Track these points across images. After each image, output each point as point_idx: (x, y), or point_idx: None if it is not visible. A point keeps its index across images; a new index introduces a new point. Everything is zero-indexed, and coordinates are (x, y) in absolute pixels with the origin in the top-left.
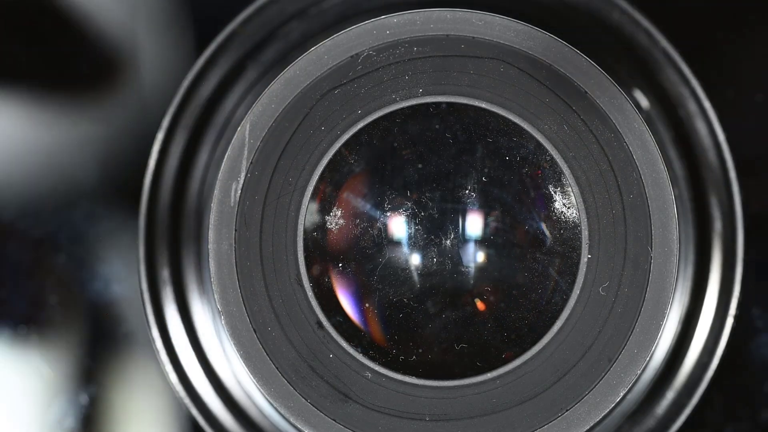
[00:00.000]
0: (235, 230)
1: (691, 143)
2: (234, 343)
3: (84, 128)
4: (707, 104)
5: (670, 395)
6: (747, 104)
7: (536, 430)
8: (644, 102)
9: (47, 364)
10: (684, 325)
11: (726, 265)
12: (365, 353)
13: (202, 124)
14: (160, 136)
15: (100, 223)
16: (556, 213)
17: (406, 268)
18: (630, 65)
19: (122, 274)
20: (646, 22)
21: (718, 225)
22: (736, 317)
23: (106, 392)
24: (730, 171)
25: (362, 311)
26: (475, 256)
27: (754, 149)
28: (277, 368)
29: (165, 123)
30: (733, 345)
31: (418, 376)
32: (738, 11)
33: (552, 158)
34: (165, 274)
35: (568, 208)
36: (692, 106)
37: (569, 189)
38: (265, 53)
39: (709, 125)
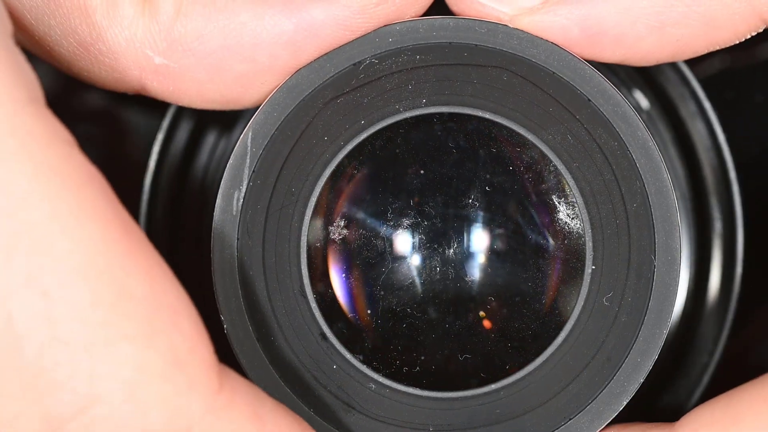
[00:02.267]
0: (237, 239)
1: (691, 144)
2: (237, 353)
3: (84, 129)
4: (707, 104)
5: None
6: (747, 104)
7: None
8: (644, 103)
9: None
10: (685, 326)
11: (726, 266)
12: (369, 364)
13: (202, 127)
14: (160, 137)
15: None
16: (560, 223)
17: (409, 279)
18: (630, 66)
19: None
20: None
21: (718, 225)
22: (737, 318)
23: None
24: (730, 171)
25: (366, 322)
26: (479, 267)
27: (755, 149)
28: (280, 378)
29: (164, 124)
30: (733, 345)
31: (422, 387)
32: None
33: (556, 168)
34: None
35: (572, 218)
36: (692, 107)
37: (573, 200)
38: None
39: (709, 126)
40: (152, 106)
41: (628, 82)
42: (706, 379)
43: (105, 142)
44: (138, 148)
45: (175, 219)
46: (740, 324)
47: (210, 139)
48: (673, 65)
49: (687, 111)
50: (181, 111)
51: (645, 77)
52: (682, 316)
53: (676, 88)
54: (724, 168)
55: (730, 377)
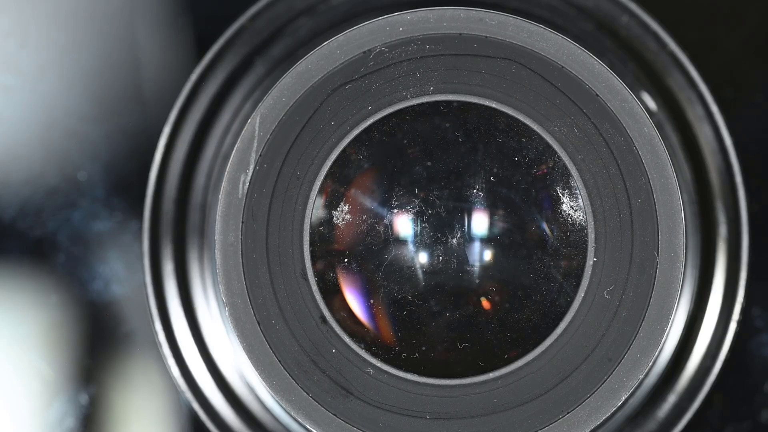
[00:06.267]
0: (242, 222)
1: (698, 147)
2: (237, 335)
3: (84, 128)
4: (714, 108)
5: (672, 399)
6: (747, 105)
7: (537, 431)
8: (652, 105)
9: (47, 364)
10: (687, 329)
11: (730, 270)
12: (368, 349)
13: (210, 119)
14: (167, 130)
15: (100, 223)
16: (563, 215)
17: (411, 266)
18: (637, 68)
19: (122, 274)
20: (654, 25)
21: (723, 230)
22: (739, 321)
23: (106, 392)
24: (736, 176)
25: (366, 307)
26: (481, 256)
27: (755, 150)
28: (279, 361)
29: (172, 117)
30: (733, 345)
31: (420, 373)
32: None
33: (561, 160)
34: (169, 267)
35: (576, 210)
36: (699, 110)
37: (577, 192)
38: (273, 49)
39: (715, 129)
40: (152, 105)
41: (636, 85)
42: (708, 383)
43: (105, 140)
44: (137, 147)
45: (180, 211)
46: (744, 328)
47: (218, 131)
48: (681, 68)
49: (694, 114)
50: (189, 104)
51: (652, 79)
52: (686, 319)
53: (683, 91)
54: (731, 172)
55: (730, 377)
